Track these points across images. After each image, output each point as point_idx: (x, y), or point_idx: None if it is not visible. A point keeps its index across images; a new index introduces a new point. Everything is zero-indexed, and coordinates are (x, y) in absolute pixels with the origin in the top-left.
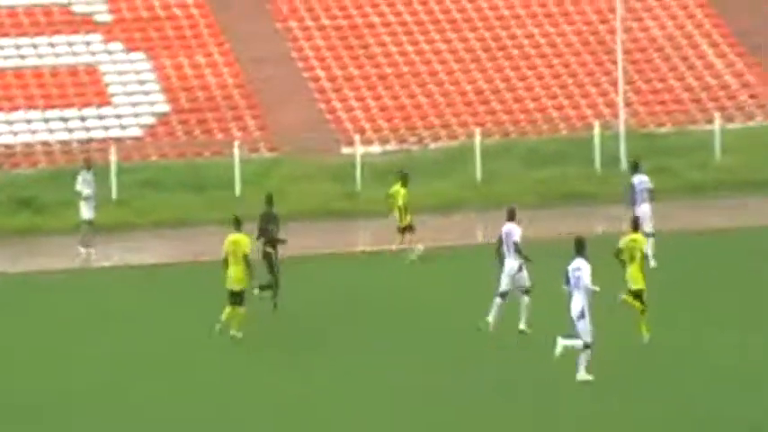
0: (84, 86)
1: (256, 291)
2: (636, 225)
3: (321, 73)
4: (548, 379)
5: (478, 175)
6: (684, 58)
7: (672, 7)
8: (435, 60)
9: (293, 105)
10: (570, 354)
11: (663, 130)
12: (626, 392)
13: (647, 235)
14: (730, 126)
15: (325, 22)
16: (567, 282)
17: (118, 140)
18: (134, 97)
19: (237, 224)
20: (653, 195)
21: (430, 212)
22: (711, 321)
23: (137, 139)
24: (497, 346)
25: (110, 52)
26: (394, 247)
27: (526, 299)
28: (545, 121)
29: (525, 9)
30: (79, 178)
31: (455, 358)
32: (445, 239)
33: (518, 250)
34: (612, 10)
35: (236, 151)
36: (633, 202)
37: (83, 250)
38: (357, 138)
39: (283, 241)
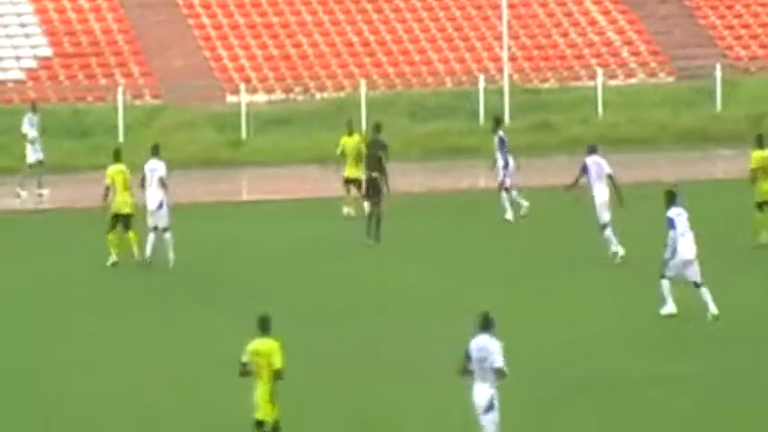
0: None
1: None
2: (760, 142)
3: (206, 20)
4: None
5: (363, 126)
6: (568, 15)
7: None
8: (321, 11)
9: (178, 52)
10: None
11: (546, 85)
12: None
13: (507, 188)
14: (612, 83)
15: None
16: (673, 227)
17: None
18: (15, 40)
19: (118, 156)
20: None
21: (313, 163)
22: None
23: (18, 82)
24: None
25: None
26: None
27: (609, 230)
28: (430, 74)
29: None
30: (25, 120)
31: (335, 311)
32: (328, 190)
33: (614, 182)
34: None
35: (119, 97)
36: (504, 155)
37: (22, 193)
38: (242, 86)
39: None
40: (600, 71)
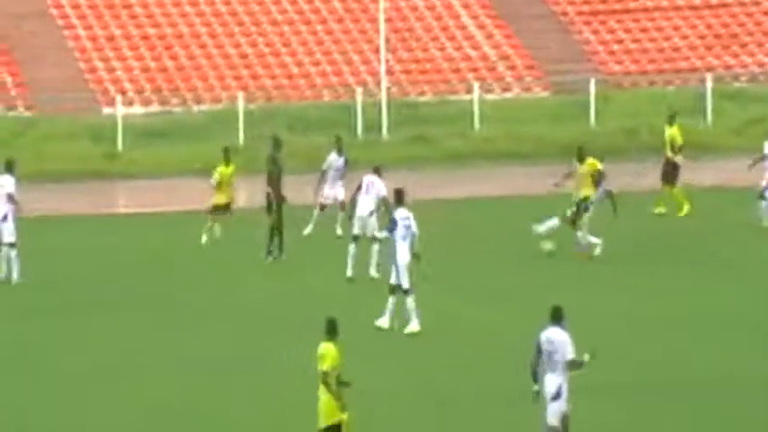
0: None
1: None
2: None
3: (82, 32)
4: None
5: (241, 139)
6: (445, 29)
7: None
8: (199, 23)
9: (53, 63)
10: None
11: (424, 98)
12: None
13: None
14: (488, 97)
15: None
16: (393, 230)
17: None
18: None
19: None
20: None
21: (192, 176)
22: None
23: None
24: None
25: None
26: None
27: (377, 246)
28: (308, 87)
29: None
30: None
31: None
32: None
33: (386, 203)
34: None
35: None
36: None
37: None
38: (118, 98)
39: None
40: (476, 85)
